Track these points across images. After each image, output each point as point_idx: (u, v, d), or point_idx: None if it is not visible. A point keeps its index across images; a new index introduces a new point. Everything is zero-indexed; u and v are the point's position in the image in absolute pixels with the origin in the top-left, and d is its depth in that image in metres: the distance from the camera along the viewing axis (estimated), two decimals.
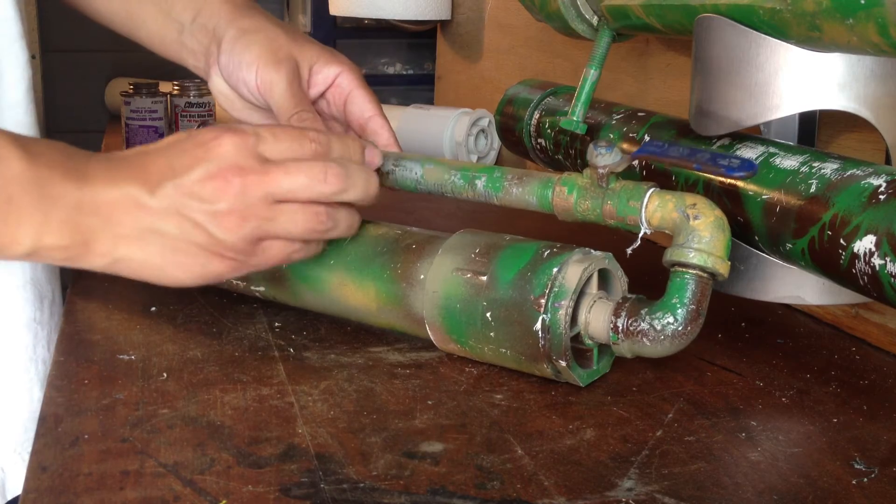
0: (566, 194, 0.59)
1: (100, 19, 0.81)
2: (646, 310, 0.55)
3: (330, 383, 0.58)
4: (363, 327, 0.66)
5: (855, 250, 0.51)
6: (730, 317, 0.71)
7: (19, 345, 0.75)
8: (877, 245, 0.49)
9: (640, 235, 0.56)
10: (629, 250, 0.57)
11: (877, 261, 0.49)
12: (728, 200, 0.60)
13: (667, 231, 0.56)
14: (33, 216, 0.53)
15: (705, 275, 0.54)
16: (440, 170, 0.66)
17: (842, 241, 0.51)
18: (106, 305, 0.70)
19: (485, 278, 0.58)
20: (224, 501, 0.45)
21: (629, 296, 0.57)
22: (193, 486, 0.46)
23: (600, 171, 0.57)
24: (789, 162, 0.57)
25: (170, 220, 0.54)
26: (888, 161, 0.59)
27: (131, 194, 0.54)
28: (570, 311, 0.55)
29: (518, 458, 0.49)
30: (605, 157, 0.56)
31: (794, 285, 0.60)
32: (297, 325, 0.67)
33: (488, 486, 0.47)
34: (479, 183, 0.64)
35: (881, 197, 0.50)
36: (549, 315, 0.55)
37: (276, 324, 0.67)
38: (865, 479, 0.48)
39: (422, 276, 0.60)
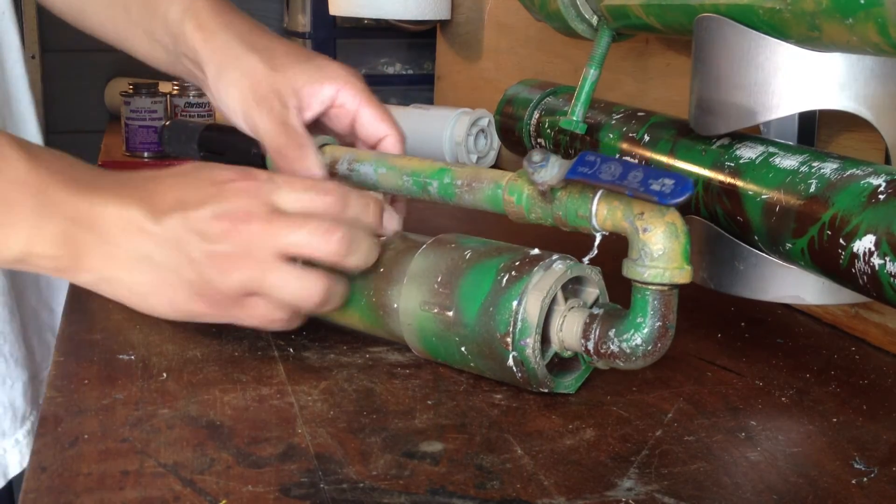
0: (515, 205, 0.57)
1: (100, 37, 0.82)
2: (613, 331, 0.53)
3: (330, 383, 0.58)
4: None
5: (854, 250, 0.51)
6: (730, 317, 0.71)
7: None
8: (876, 245, 0.49)
9: (597, 244, 0.54)
10: (586, 260, 0.55)
11: (876, 260, 0.49)
12: (728, 200, 0.60)
13: (623, 234, 0.53)
14: (27, 221, 0.52)
15: (666, 288, 0.52)
16: (393, 175, 0.64)
17: (841, 240, 0.51)
18: (106, 305, 0.69)
19: (451, 314, 0.56)
20: (224, 501, 0.45)
21: (596, 311, 0.54)
22: (193, 486, 0.46)
23: (539, 187, 0.54)
24: (789, 162, 0.57)
25: (167, 251, 0.54)
26: (888, 161, 0.59)
27: (135, 217, 0.54)
28: (537, 346, 0.54)
29: (518, 457, 0.49)
30: (540, 174, 0.53)
31: (793, 285, 0.59)
32: None
33: (488, 486, 0.47)
34: (432, 189, 0.62)
35: (881, 197, 0.50)
36: (517, 352, 0.54)
37: None
38: (865, 479, 0.48)
39: (395, 306, 0.59)
